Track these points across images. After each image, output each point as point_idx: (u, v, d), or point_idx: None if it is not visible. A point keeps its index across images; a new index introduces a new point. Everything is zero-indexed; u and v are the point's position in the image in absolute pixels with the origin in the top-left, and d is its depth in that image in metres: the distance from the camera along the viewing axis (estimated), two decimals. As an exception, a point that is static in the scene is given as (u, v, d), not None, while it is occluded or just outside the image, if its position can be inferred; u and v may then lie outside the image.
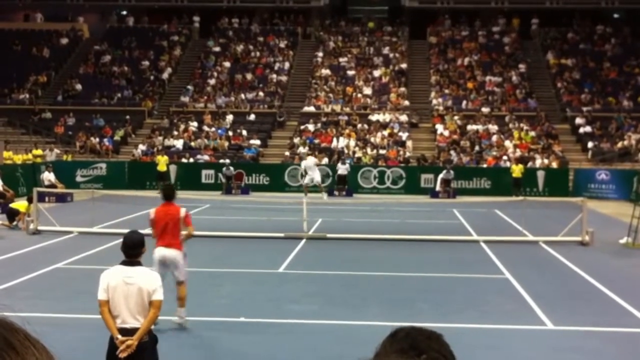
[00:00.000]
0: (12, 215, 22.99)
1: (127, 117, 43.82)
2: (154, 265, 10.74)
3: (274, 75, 48.04)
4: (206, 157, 39.07)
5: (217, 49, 50.93)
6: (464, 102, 44.57)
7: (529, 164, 36.73)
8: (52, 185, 30.25)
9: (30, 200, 23.00)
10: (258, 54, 50.40)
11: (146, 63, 49.50)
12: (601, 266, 17.10)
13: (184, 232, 11.52)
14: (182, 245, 11.33)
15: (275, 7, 54.69)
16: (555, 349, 10.76)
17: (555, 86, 46.30)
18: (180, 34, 52.96)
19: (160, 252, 11.07)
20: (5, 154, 35.61)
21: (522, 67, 47.70)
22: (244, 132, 41.95)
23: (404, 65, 48.47)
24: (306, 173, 34.10)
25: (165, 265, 11.04)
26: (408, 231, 21.80)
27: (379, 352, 1.68)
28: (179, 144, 40.68)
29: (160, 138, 41.05)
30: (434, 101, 44.90)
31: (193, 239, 20.49)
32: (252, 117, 44.07)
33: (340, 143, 40.28)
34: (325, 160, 37.97)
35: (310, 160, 34.58)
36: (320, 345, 10.78)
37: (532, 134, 40.73)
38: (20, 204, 23.23)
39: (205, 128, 42.24)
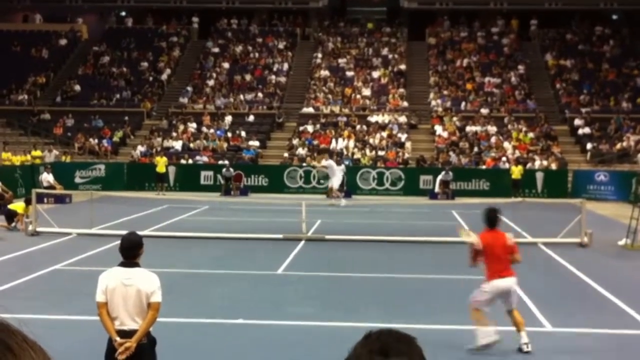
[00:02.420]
0: (11, 216, 22.99)
1: (126, 118, 43.81)
2: (488, 295, 10.41)
3: (273, 77, 48.05)
4: (205, 159, 39.07)
5: (216, 49, 50.94)
6: (463, 104, 44.58)
7: (528, 165, 36.74)
8: (51, 187, 30.23)
9: (28, 202, 23.00)
10: (257, 55, 50.41)
11: (145, 64, 49.49)
12: (600, 268, 17.11)
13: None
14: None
15: (274, 8, 54.71)
16: (553, 351, 10.76)
17: (554, 87, 46.31)
18: (179, 34, 52.96)
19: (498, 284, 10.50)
20: (4, 155, 35.60)
21: (521, 68, 47.71)
22: (243, 133, 41.95)
23: (402, 67, 48.48)
24: (328, 176, 33.43)
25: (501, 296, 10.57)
26: (407, 232, 21.80)
27: (351, 353, 1.71)
28: (177, 145, 40.68)
29: (159, 139, 41.04)
30: (433, 102, 44.91)
31: (192, 240, 20.59)
32: (251, 118, 44.09)
33: (339, 144, 40.28)
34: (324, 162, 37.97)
35: (336, 165, 33.44)
36: (319, 347, 10.77)
37: (531, 135, 40.73)
38: (18, 205, 23.23)
39: (204, 129, 42.25)
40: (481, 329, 10.45)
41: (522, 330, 10.47)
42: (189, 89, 47.10)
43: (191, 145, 40.86)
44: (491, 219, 10.78)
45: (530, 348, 10.29)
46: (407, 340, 1.72)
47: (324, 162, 34.33)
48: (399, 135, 41.36)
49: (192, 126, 42.65)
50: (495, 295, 10.58)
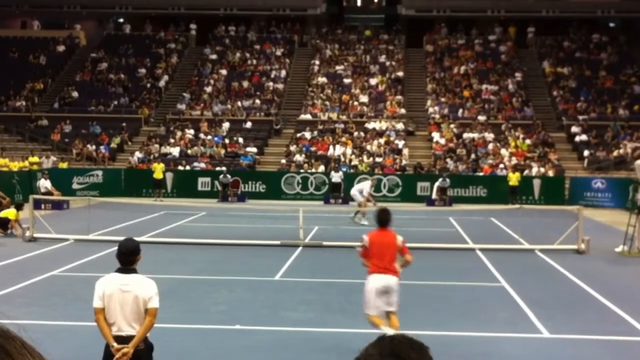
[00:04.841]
0: (5, 223, 22.96)
1: (124, 124, 43.79)
2: (371, 293, 10.44)
3: (271, 83, 48.09)
4: (202, 165, 39.05)
5: (214, 56, 50.97)
6: (460, 110, 44.64)
7: (525, 172, 36.76)
8: (48, 193, 30.17)
9: (18, 207, 23.06)
10: (255, 61, 50.45)
11: (143, 70, 49.51)
12: (597, 274, 17.12)
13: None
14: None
15: (272, 15, 54.77)
16: (551, 357, 10.77)
17: (551, 95, 46.38)
18: (177, 41, 53.00)
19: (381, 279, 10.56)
20: (2, 161, 35.57)
21: (518, 75, 47.78)
22: (241, 140, 41.95)
23: (400, 74, 48.54)
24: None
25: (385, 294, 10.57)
26: (404, 239, 21.77)
27: (362, 352, 1.72)
28: (175, 151, 40.66)
29: (157, 145, 41.03)
30: (430, 109, 44.95)
31: (189, 246, 20.59)
32: (249, 124, 44.08)
33: (336, 151, 40.29)
34: (322, 168, 38.01)
35: (367, 185, 28.62)
36: (317, 352, 10.76)
37: (528, 142, 40.79)
38: (9, 212, 23.14)
39: (202, 135, 42.24)
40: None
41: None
42: (187, 95, 47.11)
43: (189, 151, 40.85)
44: (381, 219, 11.18)
45: None
46: (419, 347, 1.73)
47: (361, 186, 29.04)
48: (397, 142, 41.39)
49: (190, 132, 42.65)
50: (377, 292, 10.60)
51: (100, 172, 37.26)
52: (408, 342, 1.73)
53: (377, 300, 10.60)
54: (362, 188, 27.92)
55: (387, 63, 49.77)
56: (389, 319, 10.68)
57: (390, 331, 10.14)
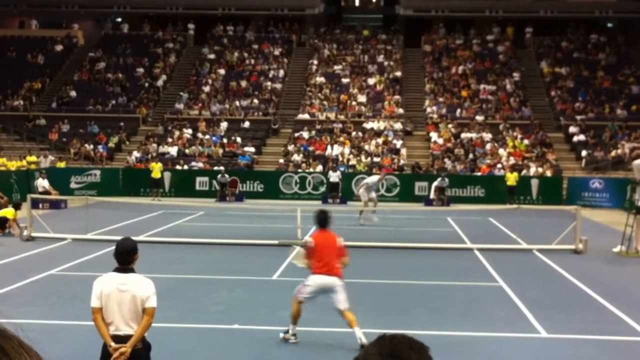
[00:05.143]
0: (2, 222, 22.95)
1: (122, 124, 43.77)
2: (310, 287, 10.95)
3: (269, 83, 48.09)
4: (200, 164, 39.04)
5: (212, 56, 50.96)
6: (458, 110, 44.66)
7: (523, 172, 36.78)
8: (46, 192, 30.17)
9: (16, 207, 23.04)
10: (253, 61, 50.45)
11: (141, 70, 49.49)
12: (595, 274, 17.13)
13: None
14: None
15: (270, 15, 54.79)
16: (548, 357, 10.77)
17: (549, 95, 46.41)
18: (175, 41, 52.98)
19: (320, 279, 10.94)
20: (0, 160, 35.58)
21: (516, 75, 47.82)
22: (239, 140, 41.94)
23: (398, 73, 48.55)
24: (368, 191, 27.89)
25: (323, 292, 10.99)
26: (402, 239, 21.80)
27: (361, 352, 1.72)
28: (173, 151, 40.65)
29: (155, 145, 41.01)
30: (428, 109, 44.97)
31: (187, 246, 20.58)
32: (247, 124, 44.07)
33: (334, 151, 40.29)
34: (320, 168, 38.01)
35: (375, 178, 29.10)
36: (315, 352, 10.77)
37: (526, 142, 40.81)
38: (7, 211, 23.14)
39: (200, 135, 42.22)
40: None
41: (355, 327, 10.74)
42: (185, 95, 47.09)
43: (187, 151, 40.84)
44: (322, 219, 11.38)
45: (364, 340, 10.39)
46: (419, 347, 1.73)
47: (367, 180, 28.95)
48: (395, 141, 41.40)
49: (188, 132, 42.63)
50: (317, 289, 10.96)
51: (98, 172, 37.23)
52: (408, 342, 1.73)
53: (313, 293, 11.00)
54: (367, 182, 28.17)
55: (385, 63, 49.78)
56: (344, 316, 10.90)
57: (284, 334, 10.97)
